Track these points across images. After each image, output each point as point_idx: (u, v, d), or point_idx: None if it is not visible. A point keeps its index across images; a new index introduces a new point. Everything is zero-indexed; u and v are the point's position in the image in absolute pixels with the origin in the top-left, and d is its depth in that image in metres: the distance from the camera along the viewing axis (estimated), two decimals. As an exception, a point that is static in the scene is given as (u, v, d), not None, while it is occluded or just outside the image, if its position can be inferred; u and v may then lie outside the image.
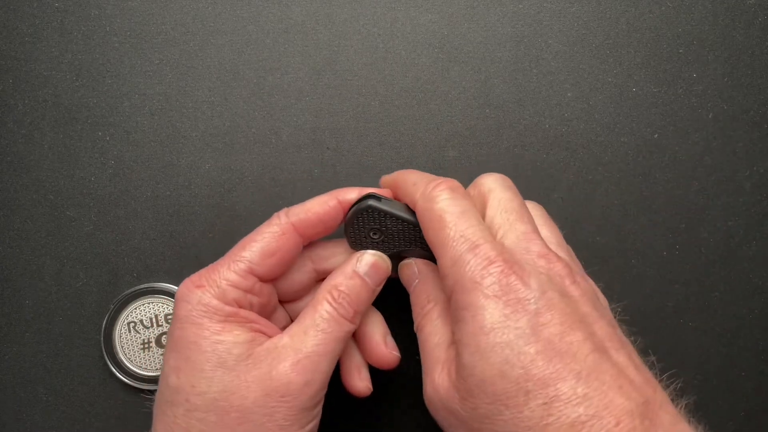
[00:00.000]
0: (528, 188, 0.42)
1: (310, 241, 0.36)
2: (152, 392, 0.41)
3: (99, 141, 0.42)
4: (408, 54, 0.42)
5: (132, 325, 0.41)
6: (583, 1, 0.43)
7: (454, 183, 0.32)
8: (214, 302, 0.32)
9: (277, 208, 0.41)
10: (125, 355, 0.41)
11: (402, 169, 0.42)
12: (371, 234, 0.35)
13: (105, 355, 0.41)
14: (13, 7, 0.42)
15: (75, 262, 0.41)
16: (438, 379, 0.30)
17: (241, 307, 0.32)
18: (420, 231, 0.33)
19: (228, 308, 0.32)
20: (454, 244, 0.30)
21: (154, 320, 0.41)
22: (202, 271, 0.33)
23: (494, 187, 0.33)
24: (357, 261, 0.34)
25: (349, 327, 0.33)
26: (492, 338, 0.27)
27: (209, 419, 0.30)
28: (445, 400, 0.29)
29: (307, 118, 0.42)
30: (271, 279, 0.34)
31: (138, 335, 0.41)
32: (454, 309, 0.30)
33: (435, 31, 0.42)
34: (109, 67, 0.42)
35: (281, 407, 0.30)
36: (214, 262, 0.33)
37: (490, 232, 0.31)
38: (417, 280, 0.35)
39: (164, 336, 0.41)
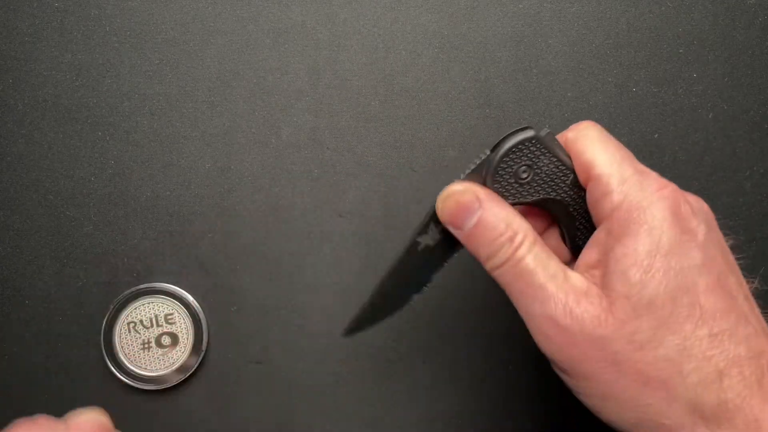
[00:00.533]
0: (528, 188, 0.42)
1: None
2: (152, 392, 0.41)
3: (99, 141, 0.42)
4: (408, 54, 0.42)
5: (132, 325, 0.41)
6: (583, 1, 0.43)
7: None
8: None
9: (277, 208, 0.41)
10: (125, 355, 0.41)
11: (400, 168, 0.42)
12: (521, 172, 0.31)
13: (105, 355, 0.41)
14: (13, 7, 0.42)
15: (75, 262, 0.41)
16: (578, 309, 0.27)
17: None
18: (570, 179, 0.31)
19: None
20: (624, 165, 0.29)
21: (154, 320, 0.41)
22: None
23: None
24: None
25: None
26: (668, 260, 0.26)
27: None
28: (592, 328, 0.27)
29: (307, 118, 0.42)
30: None
31: (138, 335, 0.41)
32: (619, 226, 0.28)
33: (435, 31, 0.42)
34: (109, 67, 0.42)
35: None
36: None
37: None
38: (481, 210, 0.29)
39: (164, 336, 0.41)
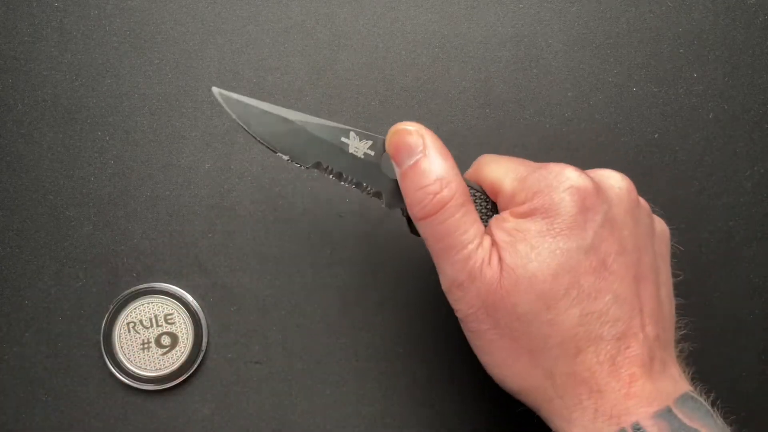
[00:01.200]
0: (528, 188, 0.42)
1: None
2: (152, 392, 0.41)
3: (99, 141, 0.42)
4: (408, 54, 0.42)
5: (132, 325, 0.41)
6: (583, 1, 0.43)
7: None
8: None
9: (277, 208, 0.41)
10: (125, 355, 0.41)
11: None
12: None
13: (104, 355, 0.41)
14: (13, 7, 0.42)
15: (75, 262, 0.41)
16: (479, 275, 0.29)
17: None
18: (491, 205, 0.33)
19: None
20: (519, 168, 0.31)
21: (153, 320, 0.41)
22: None
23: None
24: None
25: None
26: (557, 241, 0.29)
27: None
28: (486, 295, 0.29)
29: (307, 118, 0.42)
30: None
31: (138, 335, 0.41)
32: (519, 206, 0.30)
33: (435, 31, 0.42)
34: (109, 67, 0.42)
35: None
36: None
37: None
38: (421, 155, 0.31)
39: (164, 336, 0.41)
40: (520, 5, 0.42)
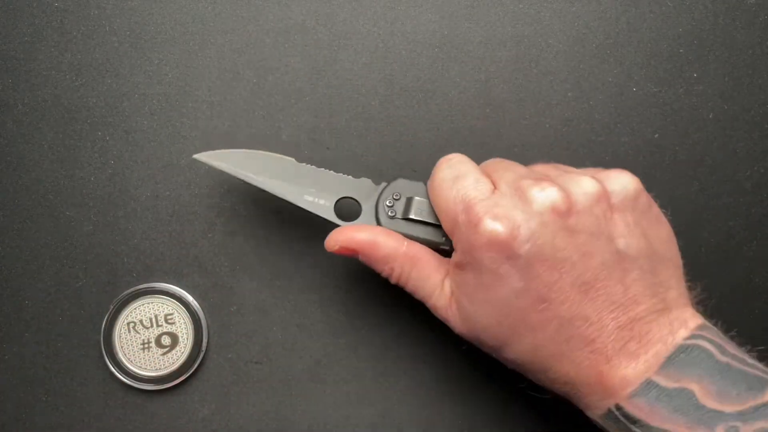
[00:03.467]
0: (528, 188, 0.42)
1: None
2: (152, 392, 0.41)
3: (99, 141, 0.42)
4: (408, 54, 0.42)
5: (132, 325, 0.41)
6: (583, 1, 0.43)
7: (455, 155, 0.35)
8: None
9: (277, 208, 0.41)
10: (125, 355, 0.41)
11: (400, 168, 0.42)
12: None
13: (105, 355, 0.41)
14: (13, 7, 0.42)
15: (75, 262, 0.41)
16: (442, 315, 0.35)
17: None
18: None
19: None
20: (452, 207, 0.32)
21: (154, 320, 0.41)
22: None
23: (484, 163, 0.36)
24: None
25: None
26: (489, 294, 0.32)
27: None
28: (457, 331, 0.35)
29: (307, 118, 0.42)
30: None
31: (138, 335, 0.41)
32: (455, 265, 0.33)
33: (435, 31, 0.42)
34: (109, 67, 0.42)
35: None
36: None
37: (488, 185, 0.33)
38: (362, 254, 0.36)
39: (164, 336, 0.41)
40: (520, 5, 0.42)
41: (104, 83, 0.42)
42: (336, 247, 0.35)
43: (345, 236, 0.35)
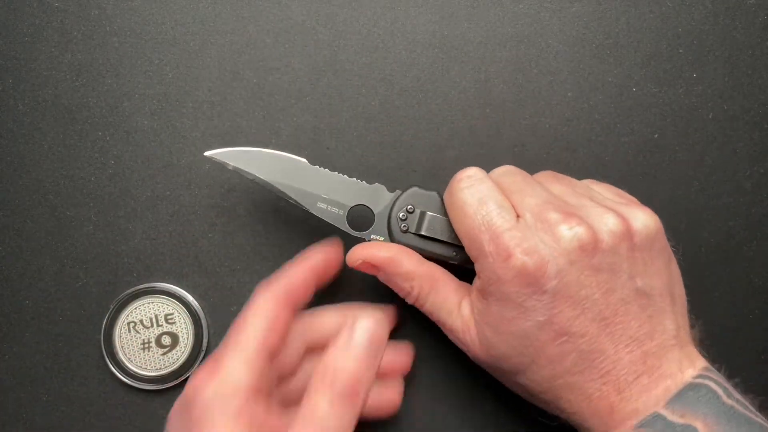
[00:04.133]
0: (528, 188, 0.42)
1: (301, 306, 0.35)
2: (152, 392, 0.41)
3: (99, 141, 0.42)
4: (408, 54, 0.42)
5: (132, 325, 0.41)
6: (583, 1, 0.43)
7: (473, 170, 0.35)
8: (228, 394, 0.29)
9: (277, 209, 0.41)
10: (125, 355, 0.41)
11: (400, 168, 0.42)
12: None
13: (105, 355, 0.41)
14: (13, 7, 0.42)
15: (75, 262, 0.41)
16: (466, 340, 0.35)
17: (259, 392, 0.30)
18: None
19: (237, 401, 0.29)
20: (477, 233, 0.33)
21: (154, 320, 0.41)
22: (209, 363, 0.31)
23: (502, 174, 0.36)
24: (351, 330, 0.31)
25: (355, 411, 0.30)
26: (512, 326, 0.32)
27: None
28: (473, 355, 0.35)
29: (307, 118, 0.42)
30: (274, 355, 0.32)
31: (138, 335, 0.41)
32: (478, 291, 0.34)
33: (435, 31, 0.42)
34: (109, 67, 0.42)
35: None
36: (218, 351, 0.31)
37: (512, 212, 0.33)
38: (383, 272, 0.36)
39: (164, 336, 0.41)
40: (520, 5, 0.42)
41: (104, 83, 0.42)
42: (358, 263, 0.36)
43: (367, 252, 0.35)
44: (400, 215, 0.37)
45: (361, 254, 0.35)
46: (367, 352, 0.30)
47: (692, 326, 0.35)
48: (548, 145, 0.42)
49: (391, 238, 0.37)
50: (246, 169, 0.36)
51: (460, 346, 0.35)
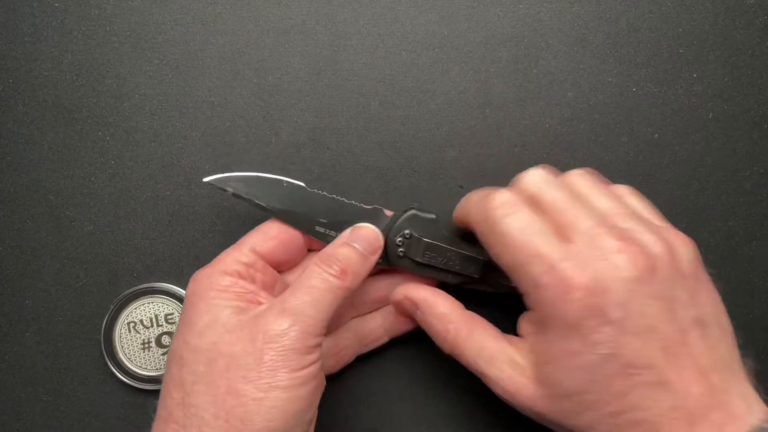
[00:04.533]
0: (528, 188, 0.42)
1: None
2: (152, 392, 0.41)
3: (99, 141, 0.42)
4: (408, 54, 0.42)
5: (132, 325, 0.41)
6: (583, 1, 0.43)
7: (506, 194, 0.33)
8: (216, 274, 0.34)
9: (277, 208, 0.41)
10: (125, 355, 0.41)
11: (400, 168, 0.42)
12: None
13: (105, 355, 0.41)
14: (13, 7, 0.42)
15: (75, 262, 0.41)
16: (513, 388, 0.33)
17: (242, 278, 0.35)
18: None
19: (228, 279, 0.34)
20: (528, 266, 0.31)
21: (154, 320, 0.41)
22: (215, 258, 0.36)
23: (538, 188, 0.34)
24: (348, 233, 0.36)
25: (339, 283, 0.33)
26: (578, 360, 0.30)
27: (199, 370, 0.32)
28: (526, 401, 0.33)
29: (307, 118, 0.42)
30: (276, 263, 0.37)
31: (138, 335, 0.41)
32: (534, 325, 0.33)
33: (435, 31, 0.42)
34: (109, 67, 0.42)
35: (268, 349, 0.31)
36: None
37: (560, 238, 0.31)
38: (419, 311, 0.36)
39: (164, 336, 0.41)
40: (520, 5, 0.42)
41: (104, 83, 0.42)
42: (400, 297, 0.37)
43: (409, 291, 0.36)
44: (397, 240, 0.36)
45: (403, 291, 0.37)
46: (362, 247, 0.35)
47: (745, 358, 0.33)
48: (548, 145, 0.42)
49: (388, 263, 0.37)
50: (244, 195, 0.36)
51: (506, 396, 0.33)
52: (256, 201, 0.36)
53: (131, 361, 0.41)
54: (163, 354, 0.41)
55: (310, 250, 0.38)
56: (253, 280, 0.35)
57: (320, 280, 0.33)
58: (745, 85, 0.42)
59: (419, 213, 0.37)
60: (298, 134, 0.42)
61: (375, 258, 0.36)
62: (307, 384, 0.32)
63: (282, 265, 0.37)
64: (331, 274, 0.33)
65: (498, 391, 0.33)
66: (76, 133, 0.42)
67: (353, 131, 0.42)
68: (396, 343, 0.41)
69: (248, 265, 0.35)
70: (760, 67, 0.42)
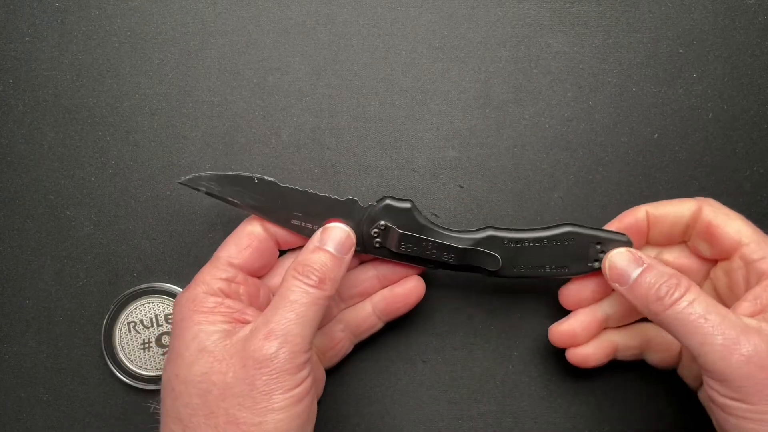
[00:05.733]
0: (528, 188, 0.42)
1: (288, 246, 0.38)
2: (152, 392, 0.41)
3: (99, 141, 0.42)
4: (408, 54, 0.42)
5: (132, 325, 0.41)
6: (583, 1, 0.43)
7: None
8: (200, 295, 0.34)
9: (277, 208, 0.41)
10: (125, 355, 0.41)
11: (400, 168, 0.42)
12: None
13: (105, 355, 0.41)
14: (13, 7, 0.42)
15: (75, 262, 0.41)
16: (754, 345, 0.31)
17: (227, 296, 0.34)
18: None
19: (212, 299, 0.34)
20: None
21: (154, 320, 0.41)
22: (195, 277, 0.35)
23: (746, 242, 0.35)
24: (318, 236, 0.35)
25: (318, 293, 0.33)
26: None
27: (193, 402, 0.31)
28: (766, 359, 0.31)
29: (307, 118, 0.42)
30: (254, 271, 0.37)
31: (138, 335, 0.41)
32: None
33: (435, 31, 0.42)
34: (109, 67, 0.42)
35: (260, 374, 0.31)
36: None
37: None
38: (644, 266, 0.34)
39: (164, 336, 0.41)
40: (520, 5, 0.42)
41: (104, 83, 0.42)
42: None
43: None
44: (373, 231, 0.36)
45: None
46: (334, 251, 0.35)
47: None
48: (548, 145, 0.42)
49: (365, 251, 0.37)
50: (218, 194, 0.36)
51: (741, 356, 0.31)
52: (230, 198, 0.36)
53: (131, 361, 0.41)
54: (163, 354, 0.41)
55: (282, 251, 0.38)
56: (237, 296, 0.35)
57: (300, 293, 0.33)
58: (745, 85, 0.42)
59: (394, 203, 0.36)
60: (298, 134, 0.42)
61: (349, 257, 0.35)
62: (302, 400, 0.32)
63: (260, 271, 0.37)
64: (310, 285, 0.33)
65: (729, 346, 0.31)
66: (76, 133, 0.42)
67: (353, 131, 0.42)
68: (396, 343, 0.41)
69: (229, 281, 0.35)
70: (760, 67, 0.42)
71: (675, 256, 0.38)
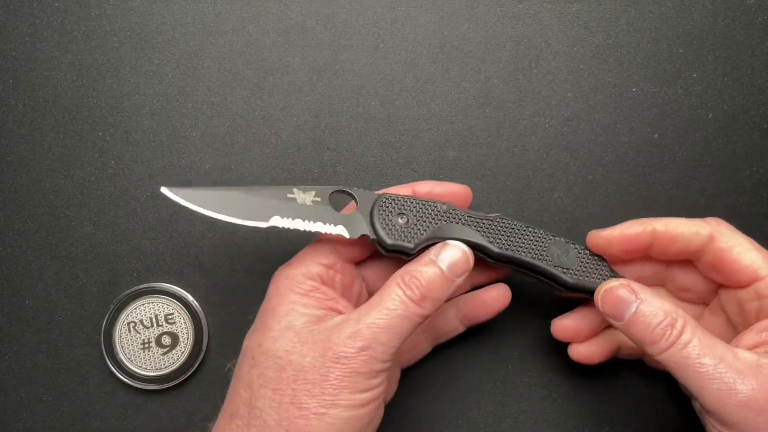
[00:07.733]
0: (528, 188, 0.42)
1: None
2: (152, 392, 0.41)
3: (99, 141, 0.42)
4: (408, 54, 0.42)
5: (132, 325, 0.41)
6: (583, 1, 0.43)
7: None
8: (298, 276, 0.34)
9: (277, 208, 0.41)
10: (125, 355, 0.41)
11: (400, 168, 0.42)
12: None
13: (105, 355, 0.41)
14: (13, 7, 0.42)
15: (75, 262, 0.41)
16: (751, 389, 0.31)
17: (323, 283, 0.34)
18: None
19: (309, 283, 0.34)
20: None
21: (154, 320, 0.41)
22: (296, 255, 0.36)
23: (763, 275, 0.35)
24: (437, 250, 0.34)
25: (417, 310, 0.32)
26: None
27: (268, 374, 0.32)
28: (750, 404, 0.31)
29: (307, 118, 0.42)
30: (353, 260, 0.36)
31: (138, 335, 0.41)
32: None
33: (435, 31, 0.42)
34: (109, 67, 0.42)
35: (335, 368, 0.31)
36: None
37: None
38: (638, 301, 0.33)
39: (164, 336, 0.41)
40: (520, 5, 0.42)
41: (104, 83, 0.42)
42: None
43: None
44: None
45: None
46: (447, 270, 0.33)
47: None
48: (548, 145, 0.42)
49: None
50: (200, 208, 0.35)
51: (739, 399, 0.31)
52: (211, 213, 0.35)
53: (131, 361, 0.41)
54: (163, 354, 0.41)
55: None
56: (333, 284, 0.35)
57: (398, 302, 0.32)
58: (745, 85, 0.42)
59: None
60: (298, 134, 0.42)
61: (460, 280, 0.34)
62: (368, 405, 0.32)
63: (357, 259, 0.37)
64: (410, 297, 0.32)
65: (727, 388, 0.31)
66: (76, 133, 0.42)
67: (353, 131, 0.42)
68: (396, 343, 0.41)
69: (329, 267, 0.35)
70: (760, 67, 0.42)
71: (680, 275, 0.38)
